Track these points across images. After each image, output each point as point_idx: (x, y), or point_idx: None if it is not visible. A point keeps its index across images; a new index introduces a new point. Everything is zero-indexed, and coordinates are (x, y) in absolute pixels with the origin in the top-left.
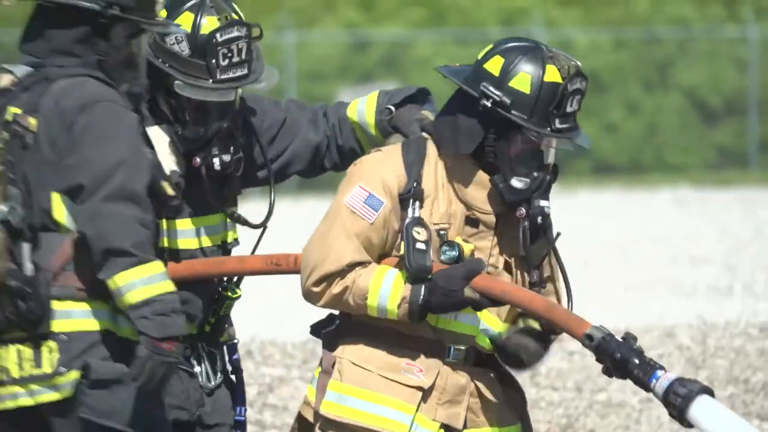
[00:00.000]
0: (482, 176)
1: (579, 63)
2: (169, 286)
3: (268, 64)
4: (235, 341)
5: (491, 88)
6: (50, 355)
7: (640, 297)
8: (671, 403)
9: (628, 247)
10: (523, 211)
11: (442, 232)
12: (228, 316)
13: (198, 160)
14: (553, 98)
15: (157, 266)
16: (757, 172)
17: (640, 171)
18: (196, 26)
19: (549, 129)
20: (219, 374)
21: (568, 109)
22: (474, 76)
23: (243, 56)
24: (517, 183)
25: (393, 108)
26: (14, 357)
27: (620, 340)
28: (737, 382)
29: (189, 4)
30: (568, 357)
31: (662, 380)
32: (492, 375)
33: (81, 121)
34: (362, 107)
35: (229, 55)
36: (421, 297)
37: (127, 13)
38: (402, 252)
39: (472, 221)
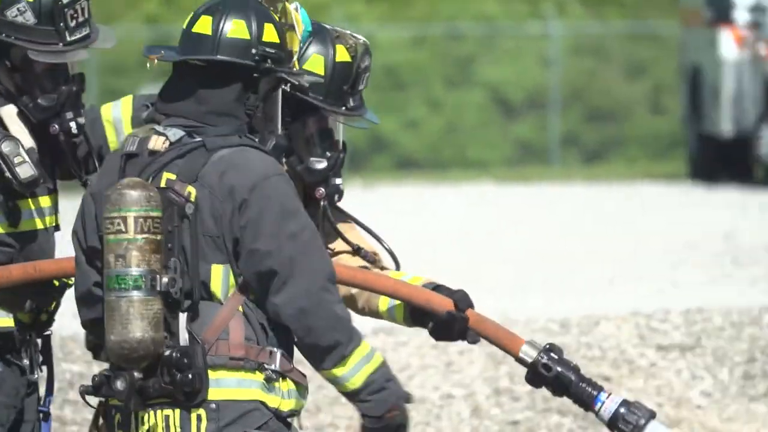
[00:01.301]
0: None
1: (366, 40)
2: (378, 359)
3: None
4: (49, 332)
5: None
6: (198, 423)
7: None
8: (621, 430)
9: (430, 244)
10: (322, 191)
11: None
12: (59, 305)
13: (56, 126)
14: (346, 78)
15: (364, 346)
16: (558, 169)
17: (441, 167)
18: None
19: (344, 108)
20: (40, 367)
21: (360, 87)
22: None
23: (86, 15)
24: (317, 164)
25: (150, 104)
26: (162, 422)
27: (555, 357)
28: None
29: None
30: None
31: (608, 404)
32: None
33: (255, 202)
34: (118, 107)
35: (75, 15)
36: None
37: (277, 66)
38: None
39: None
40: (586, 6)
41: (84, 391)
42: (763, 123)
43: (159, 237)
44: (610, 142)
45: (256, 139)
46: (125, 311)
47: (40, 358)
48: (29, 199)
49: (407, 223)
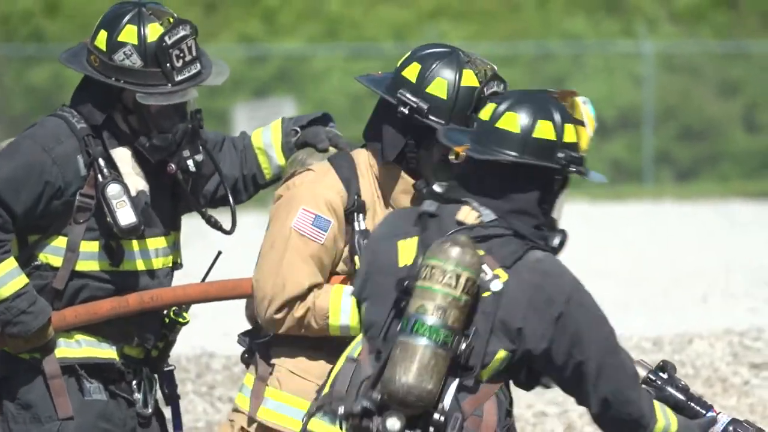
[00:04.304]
0: (409, 182)
1: (495, 66)
2: (674, 422)
3: None
4: (171, 368)
5: (408, 95)
6: None
7: None
8: None
9: None
10: None
11: None
12: (174, 342)
13: (173, 165)
14: (470, 102)
15: (659, 423)
16: (651, 187)
17: None
18: (141, 37)
19: None
20: (154, 401)
21: None
22: (393, 84)
23: (193, 54)
24: (438, 188)
25: (299, 129)
26: None
27: (665, 376)
28: None
29: (127, 18)
30: None
31: (717, 426)
32: None
33: (572, 315)
34: (267, 133)
35: (182, 55)
36: None
37: (579, 170)
38: (357, 266)
39: None
40: (677, 25)
41: (345, 414)
42: None
43: (471, 302)
44: (703, 161)
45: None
46: (426, 361)
47: (158, 393)
48: (134, 241)
49: None
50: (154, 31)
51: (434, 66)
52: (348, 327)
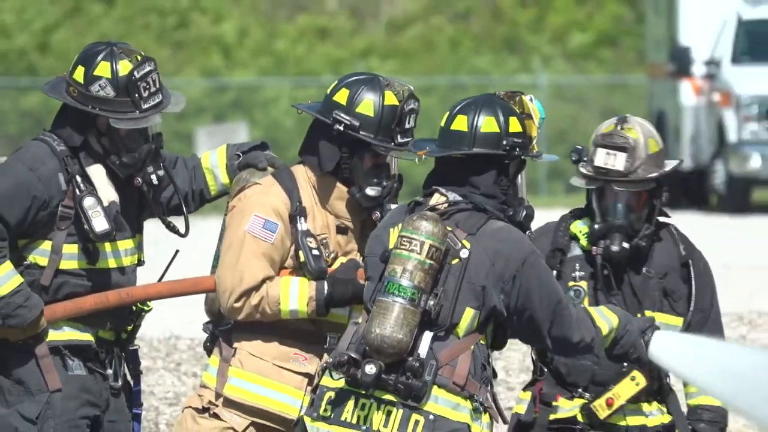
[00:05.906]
0: (342, 190)
1: (411, 87)
2: (614, 318)
3: None
4: (136, 347)
5: (342, 115)
6: (415, 427)
7: None
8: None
9: None
10: (377, 214)
11: (325, 241)
12: (140, 326)
13: (139, 179)
14: (393, 118)
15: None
16: (545, 197)
17: None
18: (114, 71)
19: (393, 144)
20: (123, 376)
21: (407, 126)
22: (326, 107)
23: (157, 86)
24: (370, 191)
25: (241, 153)
26: (383, 415)
27: None
28: (528, 370)
29: (101, 56)
30: None
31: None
32: None
33: (525, 276)
34: (214, 156)
35: (148, 87)
36: (325, 291)
37: (522, 151)
38: (301, 260)
39: (341, 229)
40: (569, 62)
41: (328, 366)
42: (716, 159)
43: (436, 266)
44: None
45: (510, 212)
46: (396, 315)
47: (125, 369)
48: (107, 243)
49: None
50: (124, 67)
51: (360, 90)
52: (296, 311)
